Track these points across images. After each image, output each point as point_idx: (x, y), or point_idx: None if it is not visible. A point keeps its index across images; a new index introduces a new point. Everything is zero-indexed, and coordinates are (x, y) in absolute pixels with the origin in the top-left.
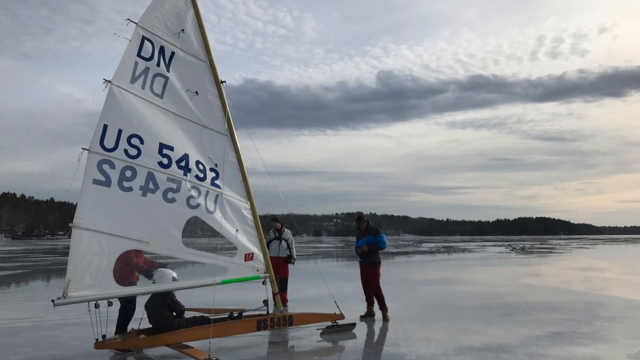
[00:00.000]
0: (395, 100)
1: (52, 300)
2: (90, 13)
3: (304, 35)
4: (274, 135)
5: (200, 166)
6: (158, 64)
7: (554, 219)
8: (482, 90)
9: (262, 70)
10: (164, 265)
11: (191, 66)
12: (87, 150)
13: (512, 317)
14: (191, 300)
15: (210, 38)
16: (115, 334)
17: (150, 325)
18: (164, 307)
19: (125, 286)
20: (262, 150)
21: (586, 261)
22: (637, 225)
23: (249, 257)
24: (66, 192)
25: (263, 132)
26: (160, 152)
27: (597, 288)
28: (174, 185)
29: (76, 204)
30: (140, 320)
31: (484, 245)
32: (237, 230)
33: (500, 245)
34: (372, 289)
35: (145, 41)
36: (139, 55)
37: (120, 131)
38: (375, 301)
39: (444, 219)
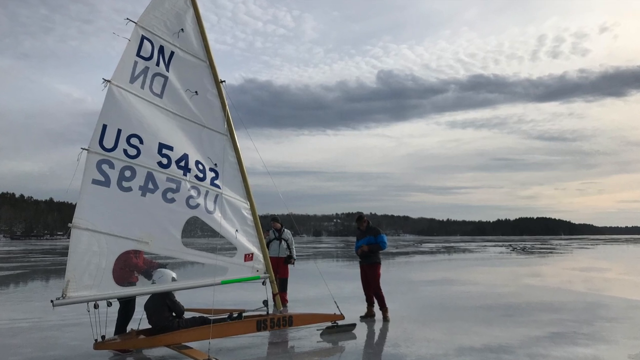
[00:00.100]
0: (396, 100)
1: (51, 301)
2: (89, 12)
3: (304, 34)
4: (274, 135)
5: (200, 166)
6: (157, 64)
7: (554, 219)
8: (482, 90)
9: (262, 70)
10: (164, 266)
11: (191, 66)
12: (87, 150)
13: (513, 318)
14: (191, 300)
15: (210, 37)
16: (115, 334)
17: (150, 326)
18: (164, 308)
19: (124, 286)
20: (262, 150)
21: (587, 261)
22: (638, 225)
23: (248, 257)
24: (65, 192)
25: (263, 132)
26: (159, 152)
27: (598, 288)
28: (174, 185)
29: (75, 204)
30: (139, 320)
31: (485, 246)
32: (236, 230)
33: (501, 246)
34: (372, 289)
35: (145, 41)
36: (138, 54)
37: (119, 131)
38: (376, 301)
39: (445, 219)
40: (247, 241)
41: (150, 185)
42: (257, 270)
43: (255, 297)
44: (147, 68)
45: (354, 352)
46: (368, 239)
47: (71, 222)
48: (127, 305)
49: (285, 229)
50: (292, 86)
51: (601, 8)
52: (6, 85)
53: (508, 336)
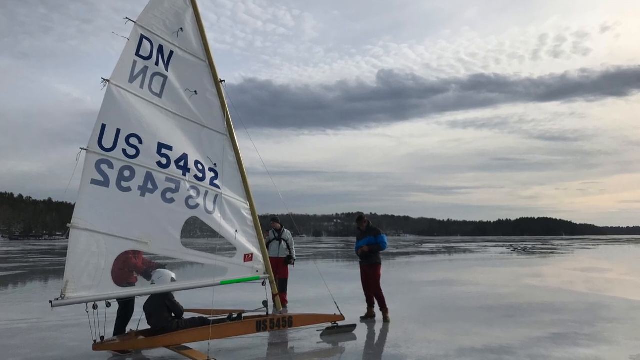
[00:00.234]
0: (396, 99)
1: (50, 301)
2: (88, 12)
3: (303, 34)
4: (274, 135)
5: (200, 166)
6: (157, 63)
7: (555, 219)
8: (483, 90)
9: (262, 70)
10: (163, 266)
11: (190, 65)
12: (85, 150)
13: (514, 318)
14: (190, 301)
15: (210, 37)
16: (114, 335)
17: (149, 327)
18: (163, 308)
19: (123, 287)
20: (262, 150)
21: (588, 262)
22: None
23: (248, 257)
24: (64, 192)
25: (262, 132)
26: (159, 151)
27: (599, 289)
28: (173, 185)
29: (74, 204)
30: (138, 321)
31: (485, 246)
32: (236, 230)
33: (502, 246)
34: (372, 289)
35: (144, 40)
36: (137, 54)
37: (118, 131)
38: (376, 302)
39: (445, 220)
40: (246, 241)
41: (150, 185)
42: (257, 271)
43: (255, 297)
44: (146, 67)
45: (354, 352)
46: (368, 239)
47: (70, 223)
48: (126, 306)
49: (285, 229)
50: (292, 86)
51: (602, 7)
52: (5, 85)
53: (509, 337)
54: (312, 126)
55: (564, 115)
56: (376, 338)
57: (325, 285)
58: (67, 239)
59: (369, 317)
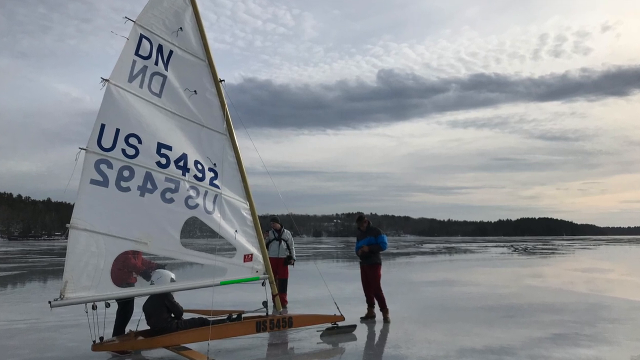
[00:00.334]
0: (396, 99)
1: (49, 302)
2: (87, 11)
3: (303, 33)
4: (274, 135)
5: (199, 166)
6: (156, 63)
7: (556, 219)
8: (484, 89)
9: (262, 69)
10: (162, 266)
11: (190, 65)
12: (85, 149)
13: (515, 319)
14: (190, 301)
15: (209, 36)
16: (113, 335)
17: (148, 327)
18: (162, 309)
19: (123, 287)
20: (262, 149)
21: (589, 262)
22: None
23: (248, 258)
24: (63, 192)
25: (262, 132)
26: (158, 151)
27: (600, 289)
28: (173, 186)
29: (73, 205)
30: (138, 321)
31: (486, 246)
32: (236, 230)
33: (503, 246)
34: (372, 290)
35: (143, 39)
36: (136, 53)
37: (118, 131)
38: (376, 302)
39: (446, 220)
40: (246, 242)
41: (149, 185)
42: (257, 271)
43: (254, 298)
44: (145, 67)
45: (354, 353)
46: (368, 239)
47: (69, 223)
48: (125, 306)
49: (285, 230)
50: (291, 85)
51: (603, 7)
52: (4, 85)
53: (509, 337)
54: (312, 126)
55: (565, 115)
56: (376, 338)
57: (325, 285)
58: (66, 239)
59: (369, 318)
